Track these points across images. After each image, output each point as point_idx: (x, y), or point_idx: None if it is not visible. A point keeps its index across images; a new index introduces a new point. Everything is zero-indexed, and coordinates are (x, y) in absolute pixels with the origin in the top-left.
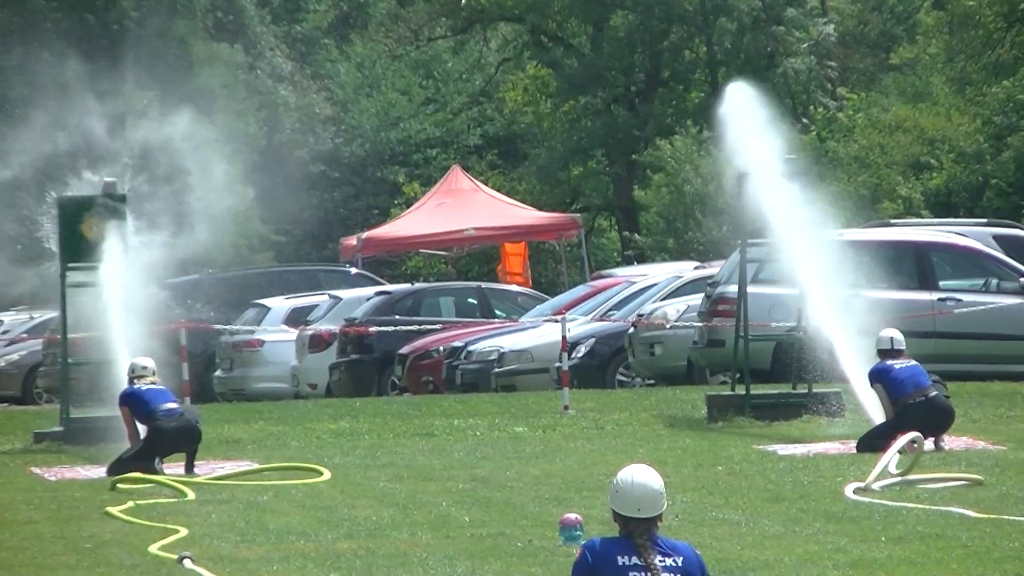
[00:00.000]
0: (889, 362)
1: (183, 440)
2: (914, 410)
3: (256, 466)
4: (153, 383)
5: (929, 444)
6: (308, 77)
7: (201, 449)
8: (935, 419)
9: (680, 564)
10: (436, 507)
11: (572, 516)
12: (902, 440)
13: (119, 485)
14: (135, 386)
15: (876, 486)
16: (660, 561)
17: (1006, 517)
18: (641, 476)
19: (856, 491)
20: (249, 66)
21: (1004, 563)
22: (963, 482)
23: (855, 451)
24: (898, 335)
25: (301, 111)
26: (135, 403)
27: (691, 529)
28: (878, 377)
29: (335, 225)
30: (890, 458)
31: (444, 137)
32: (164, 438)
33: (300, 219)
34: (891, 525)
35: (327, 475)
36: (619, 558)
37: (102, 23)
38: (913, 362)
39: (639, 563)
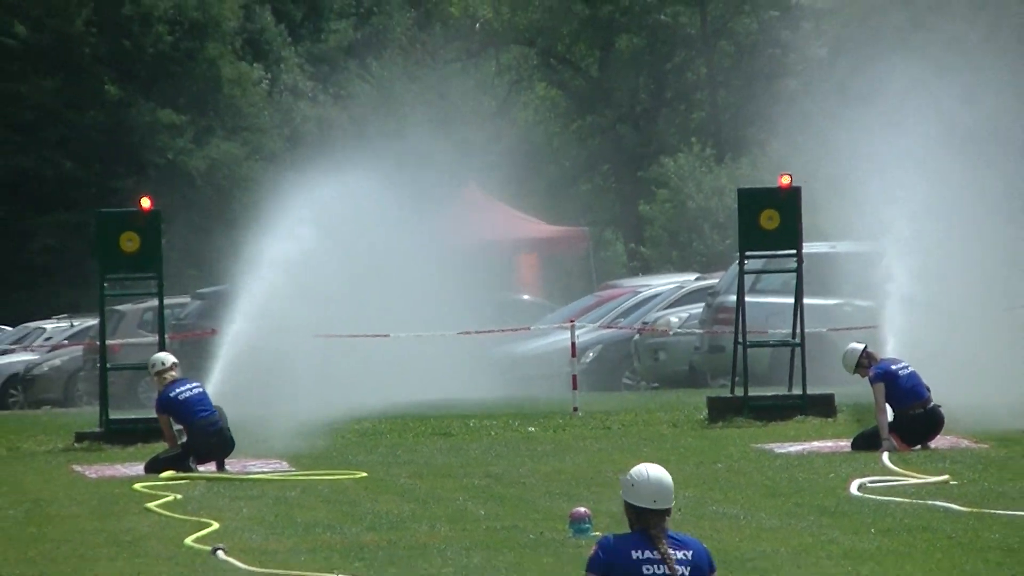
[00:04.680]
0: (894, 367)
1: (219, 451)
2: (913, 421)
3: (293, 471)
4: (180, 379)
5: (917, 448)
6: (329, 95)
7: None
8: (931, 429)
9: (690, 557)
10: (453, 502)
11: (581, 510)
12: (885, 456)
13: (135, 486)
14: (173, 394)
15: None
16: (672, 553)
17: (988, 511)
18: (655, 471)
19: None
20: (271, 85)
21: (986, 553)
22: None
23: (850, 449)
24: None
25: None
26: (175, 412)
27: (692, 523)
28: (883, 377)
29: None
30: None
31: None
32: (202, 448)
33: None
34: (881, 518)
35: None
36: (633, 552)
37: (138, 47)
38: (912, 369)
39: (652, 556)
